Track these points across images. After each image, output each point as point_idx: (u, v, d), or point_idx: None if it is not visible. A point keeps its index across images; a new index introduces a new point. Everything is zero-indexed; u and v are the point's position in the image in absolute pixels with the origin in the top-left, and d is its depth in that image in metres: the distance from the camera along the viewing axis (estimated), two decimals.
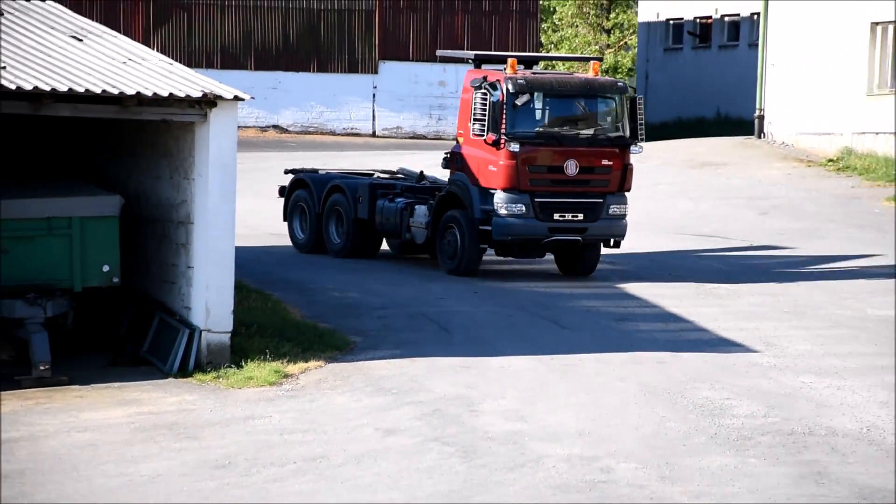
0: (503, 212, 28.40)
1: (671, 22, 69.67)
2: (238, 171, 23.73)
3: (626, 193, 29.40)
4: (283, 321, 25.91)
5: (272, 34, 63.55)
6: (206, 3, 62.85)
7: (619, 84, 29.57)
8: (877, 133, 50.43)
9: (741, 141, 56.48)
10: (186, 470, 17.83)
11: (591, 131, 29.08)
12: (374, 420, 20.20)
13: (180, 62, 25.85)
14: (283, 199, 34.04)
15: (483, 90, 28.24)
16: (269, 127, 63.01)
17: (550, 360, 23.78)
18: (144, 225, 24.98)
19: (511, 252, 30.07)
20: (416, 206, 30.18)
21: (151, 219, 24.86)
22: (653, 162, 53.02)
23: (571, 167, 28.43)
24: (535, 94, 28.79)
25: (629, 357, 24.04)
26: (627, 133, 29.09)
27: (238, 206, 23.82)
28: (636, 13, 77.75)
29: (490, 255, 30.78)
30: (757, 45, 57.81)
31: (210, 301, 23.19)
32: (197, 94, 22.82)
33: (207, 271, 23.23)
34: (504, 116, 28.22)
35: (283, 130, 63.32)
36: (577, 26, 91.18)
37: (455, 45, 64.20)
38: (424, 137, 64.10)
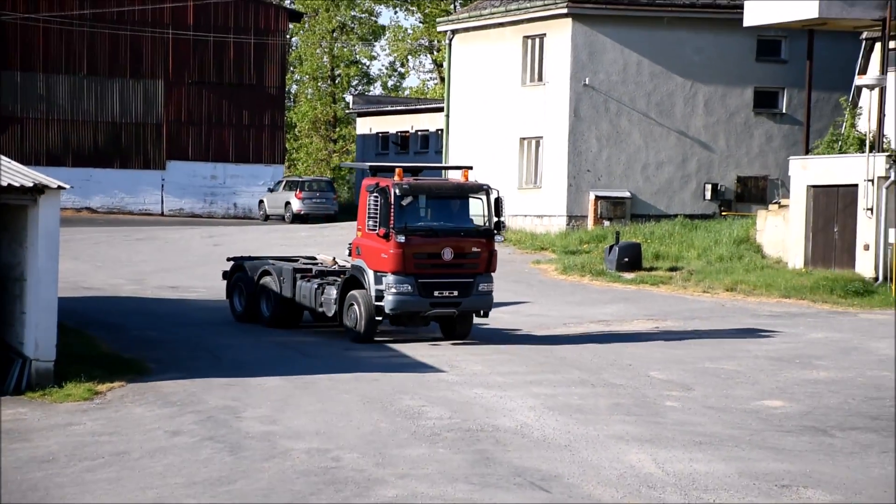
0: (393, 290, 26.94)
1: (380, 134, 70.21)
2: (60, 241, 23.33)
3: (492, 273, 27.92)
4: (95, 352, 25.47)
5: (85, 140, 62.78)
6: (34, 118, 61.83)
7: (485, 187, 27.96)
8: (525, 215, 51.44)
9: None
10: (20, 464, 17.36)
11: (462, 224, 27.65)
12: (164, 424, 19.91)
13: (16, 160, 25.26)
14: (224, 281, 32.00)
15: (375, 194, 27.08)
16: (83, 208, 62.08)
17: (295, 379, 23.65)
18: None
19: (401, 322, 28.01)
20: (327, 286, 28.59)
21: None
22: None
23: (447, 253, 27.13)
24: (417, 196, 27.38)
25: (352, 376, 24.00)
26: (492, 225, 27.63)
27: (60, 266, 23.42)
28: (355, 128, 78.08)
29: (386, 325, 28.93)
30: (441, 151, 58.52)
31: (38, 337, 22.62)
32: (29, 184, 22.37)
33: (36, 315, 22.69)
34: (392, 214, 26.80)
35: (94, 211, 62.47)
36: (312, 137, 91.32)
37: (223, 150, 64.04)
38: (200, 216, 63.59)
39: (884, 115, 41.39)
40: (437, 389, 22.80)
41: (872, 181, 38.66)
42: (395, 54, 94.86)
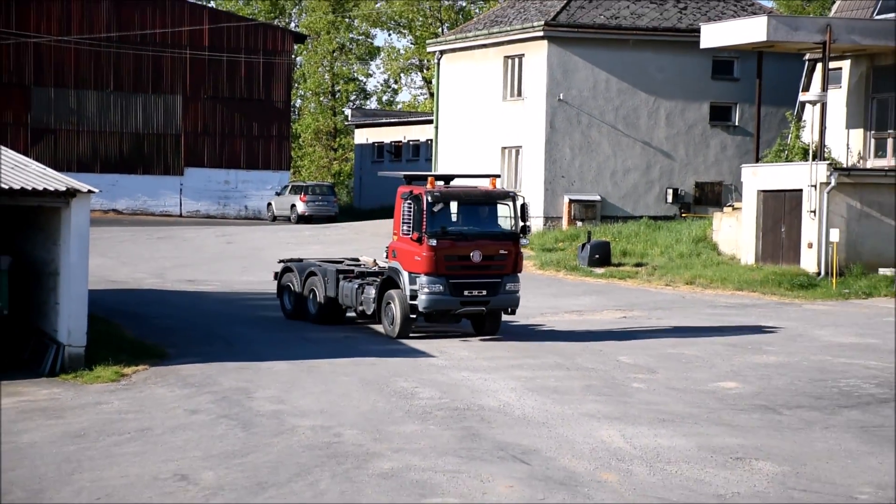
0: (426, 290, 25.80)
1: (376, 144, 70.12)
2: (90, 240, 23.32)
3: (518, 274, 26.62)
4: (120, 339, 25.40)
5: (112, 149, 62.62)
6: (67, 129, 61.71)
7: (511, 193, 26.96)
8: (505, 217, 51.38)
9: None
10: (55, 439, 17.32)
11: (490, 228, 26.42)
12: (183, 404, 19.86)
13: (50, 167, 25.23)
14: (276, 282, 30.90)
15: (409, 201, 26.09)
16: (109, 210, 61.84)
17: (300, 363, 23.62)
18: (30, 277, 24.42)
19: (434, 319, 26.78)
20: (367, 287, 27.37)
21: (35, 272, 24.29)
22: (366, 234, 53.16)
23: (476, 255, 25.97)
24: (448, 202, 26.23)
25: (351, 361, 23.98)
26: (518, 229, 26.43)
27: (90, 262, 23.40)
28: (353, 138, 77.97)
29: (420, 322, 27.73)
30: (431, 159, 58.52)
31: (71, 326, 22.61)
32: (63, 188, 22.41)
33: (68, 306, 22.68)
34: (424, 220, 25.76)
35: (119, 213, 62.25)
36: (314, 146, 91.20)
37: (235, 158, 63.91)
38: (214, 217, 63.48)
39: (825, 128, 41.48)
40: (428, 373, 22.79)
41: (815, 186, 38.72)
42: (389, 72, 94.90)
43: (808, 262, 38.88)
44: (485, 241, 26.26)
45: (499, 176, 28.65)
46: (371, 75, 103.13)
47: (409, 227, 25.98)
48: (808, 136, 43.20)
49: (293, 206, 61.16)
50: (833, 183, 38.48)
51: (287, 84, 66.08)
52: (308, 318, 29.19)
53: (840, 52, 43.35)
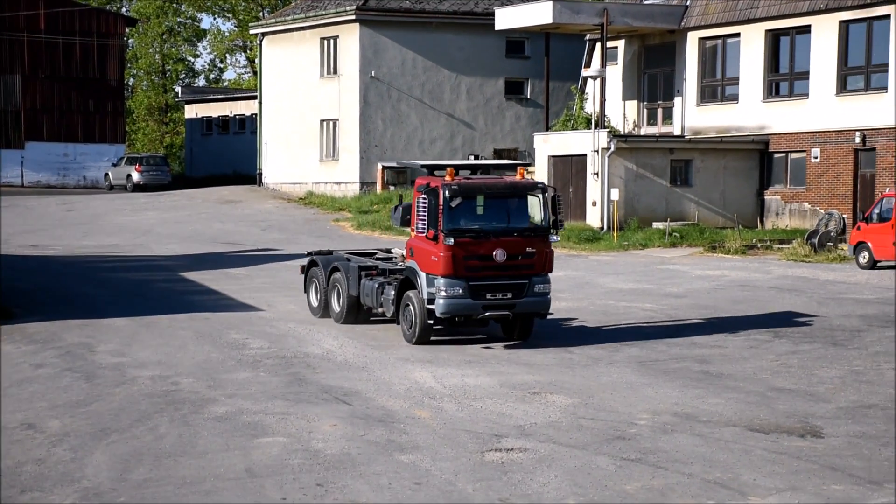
0: (443, 293, 20.28)
1: (204, 118, 68.86)
2: None
3: (549, 274, 20.97)
4: None
5: None
6: None
7: (540, 185, 21.12)
8: (326, 183, 51.29)
9: (249, 188, 56.30)
10: None
11: (515, 224, 20.63)
12: (29, 359, 19.21)
13: None
14: (302, 276, 25.00)
15: (425, 194, 20.78)
16: None
17: (139, 319, 23.10)
18: None
19: (455, 325, 21.13)
20: (387, 286, 21.96)
21: None
22: (197, 200, 52.26)
23: (500, 255, 20.27)
24: (468, 196, 20.53)
25: (187, 316, 23.55)
26: (548, 224, 20.74)
27: None
28: (184, 113, 76.43)
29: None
30: (256, 132, 57.80)
31: None
32: None
33: None
34: (441, 216, 20.33)
35: None
36: (147, 121, 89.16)
37: (73, 132, 61.97)
38: (55, 187, 61.37)
39: (605, 100, 42.34)
40: (258, 325, 22.54)
41: (598, 151, 39.48)
42: (216, 53, 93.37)
43: (593, 218, 39.68)
44: (509, 239, 20.61)
45: (528, 164, 22.49)
46: (199, 56, 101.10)
47: (425, 223, 20.77)
48: (591, 107, 44.06)
49: (129, 175, 59.72)
50: (612, 148, 39.29)
51: (120, 64, 64.36)
52: (332, 318, 23.64)
53: (616, 32, 44.26)
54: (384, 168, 49.61)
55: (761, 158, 41.25)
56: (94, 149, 62.76)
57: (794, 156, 40.46)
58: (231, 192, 54.59)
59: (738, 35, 41.77)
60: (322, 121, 51.55)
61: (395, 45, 50.06)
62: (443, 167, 21.72)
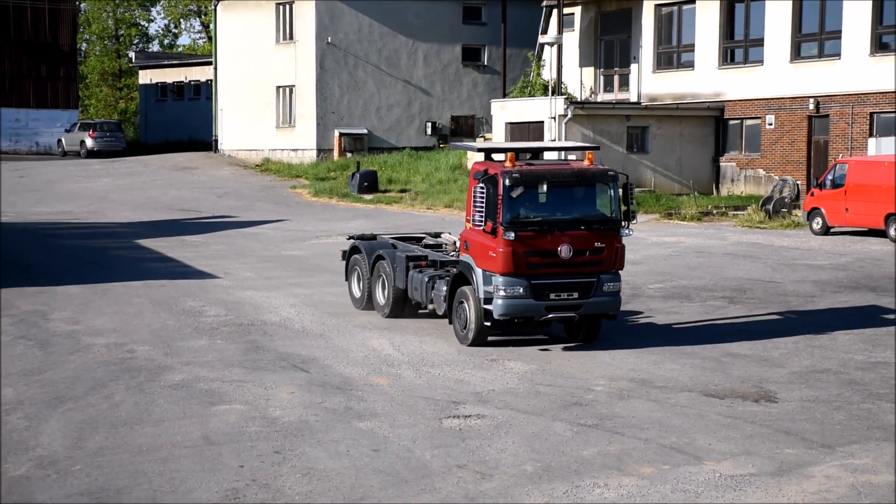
0: (502, 293, 17.71)
1: (159, 84, 68.22)
2: None
3: (620, 272, 18.34)
4: None
5: None
6: None
7: (611, 172, 18.30)
8: (283, 149, 51.04)
9: (205, 154, 55.91)
10: None
11: (583, 216, 18.03)
12: None
13: None
14: (344, 262, 22.57)
15: (482, 183, 18.00)
16: None
17: (94, 287, 22.91)
18: None
19: (514, 326, 18.72)
20: (438, 280, 19.46)
21: None
22: (153, 167, 51.85)
23: (565, 251, 17.69)
24: (530, 185, 17.91)
25: (143, 283, 23.39)
26: (620, 216, 18.20)
27: None
28: (138, 79, 75.62)
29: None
30: (211, 98, 57.32)
31: None
32: None
33: None
34: (500, 207, 17.72)
35: None
36: (101, 86, 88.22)
37: (24, 98, 61.18)
38: (7, 153, 60.63)
39: (561, 67, 42.33)
40: (214, 292, 22.43)
41: (555, 118, 39.50)
42: (170, 18, 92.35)
43: None
44: (576, 233, 18.00)
45: (597, 148, 20.36)
46: (153, 20, 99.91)
47: (483, 215, 17.97)
48: (548, 73, 44.04)
49: (83, 141, 59.10)
50: (569, 115, 39.33)
51: (72, 29, 63.56)
52: (377, 311, 21.09)
53: None
54: (341, 135, 49.43)
55: (717, 125, 41.45)
56: (47, 114, 62.05)
57: (748, 122, 40.68)
58: (187, 159, 54.19)
59: (693, 2, 41.85)
60: (278, 87, 51.23)
61: (351, 10, 49.74)
62: (502, 150, 19.69)
